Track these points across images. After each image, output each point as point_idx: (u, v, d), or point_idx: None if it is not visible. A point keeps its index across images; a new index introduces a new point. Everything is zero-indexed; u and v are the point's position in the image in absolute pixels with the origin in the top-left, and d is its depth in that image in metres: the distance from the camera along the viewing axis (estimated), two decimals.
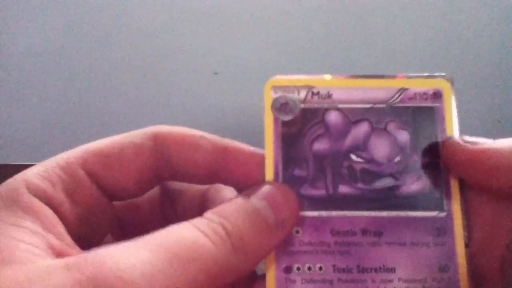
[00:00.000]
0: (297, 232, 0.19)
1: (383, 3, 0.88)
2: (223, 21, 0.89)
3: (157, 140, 0.20)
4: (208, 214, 0.18)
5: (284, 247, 0.19)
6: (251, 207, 0.18)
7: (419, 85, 0.20)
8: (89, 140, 0.94)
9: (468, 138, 0.20)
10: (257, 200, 0.19)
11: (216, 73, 0.92)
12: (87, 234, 0.18)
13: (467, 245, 0.19)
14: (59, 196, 0.18)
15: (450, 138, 0.20)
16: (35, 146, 0.99)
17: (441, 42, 0.90)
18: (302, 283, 0.19)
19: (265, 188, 0.19)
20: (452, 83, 0.21)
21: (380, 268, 0.19)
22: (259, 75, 0.95)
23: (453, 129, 0.20)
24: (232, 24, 0.90)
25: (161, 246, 0.16)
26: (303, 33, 0.90)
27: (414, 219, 0.19)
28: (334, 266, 0.19)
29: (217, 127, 0.98)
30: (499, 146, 0.18)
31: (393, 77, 0.20)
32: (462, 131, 0.76)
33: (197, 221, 0.18)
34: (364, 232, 0.19)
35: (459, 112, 0.82)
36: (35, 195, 0.18)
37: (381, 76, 0.20)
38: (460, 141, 0.19)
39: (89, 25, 0.90)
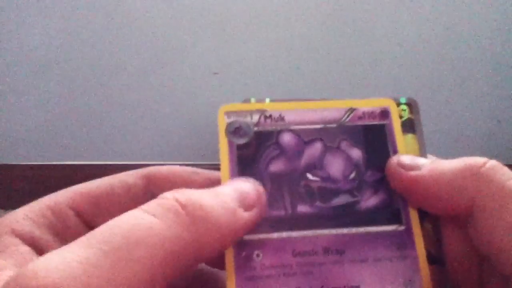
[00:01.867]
0: (258, 256, 0.19)
1: (382, 7, 0.88)
2: (223, 21, 0.89)
3: (150, 179, 0.20)
4: (164, 193, 0.16)
5: (244, 272, 0.18)
6: (214, 189, 0.18)
7: (366, 105, 0.21)
8: (88, 140, 0.94)
9: (405, 159, 0.19)
10: (221, 186, 0.18)
11: (216, 73, 0.92)
12: None
13: (443, 262, 0.19)
14: (45, 237, 0.17)
15: (390, 159, 0.20)
16: (35, 146, 1.00)
17: (442, 44, 0.90)
18: None
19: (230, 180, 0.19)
20: (414, 105, 0.21)
21: (344, 287, 0.18)
22: (259, 75, 0.95)
23: (403, 145, 0.20)
24: (232, 25, 0.90)
25: (97, 239, 0.14)
26: (302, 34, 0.90)
27: (374, 234, 0.19)
28: None
29: (217, 127, 0.98)
30: (428, 174, 0.18)
31: (341, 99, 0.21)
32: (463, 131, 0.76)
33: (148, 203, 0.16)
34: (326, 251, 0.19)
35: (460, 112, 0.82)
36: (20, 237, 0.17)
37: (330, 99, 0.21)
38: (396, 165, 0.19)
39: (89, 25, 0.90)
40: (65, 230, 0.18)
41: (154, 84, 0.93)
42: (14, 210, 0.17)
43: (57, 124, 0.96)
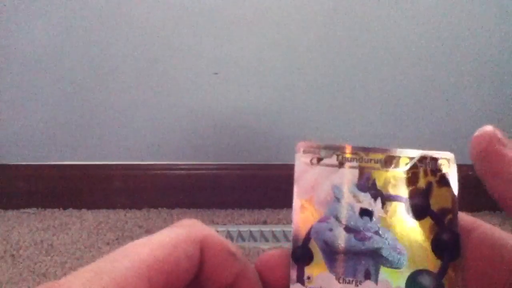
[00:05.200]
0: None
1: (382, 8, 0.88)
2: (223, 21, 0.89)
3: (203, 249, 0.20)
4: None
5: None
6: None
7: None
8: (88, 140, 0.93)
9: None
10: None
11: (216, 73, 0.92)
12: None
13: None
14: None
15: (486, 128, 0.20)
16: (35, 146, 1.00)
17: (441, 44, 0.90)
18: None
19: None
20: (451, 160, 0.21)
21: None
22: (259, 75, 0.95)
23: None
24: (232, 25, 0.90)
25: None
26: (303, 34, 0.90)
27: None
28: None
29: (217, 127, 0.98)
30: None
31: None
32: (463, 131, 0.76)
33: None
34: None
35: (460, 111, 0.82)
36: None
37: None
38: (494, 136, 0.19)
39: (89, 25, 0.90)
40: None
41: (154, 84, 0.93)
42: (87, 282, 0.16)
43: (57, 124, 0.96)
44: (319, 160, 0.21)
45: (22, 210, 0.95)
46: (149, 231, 0.85)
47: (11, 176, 0.97)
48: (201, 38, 0.90)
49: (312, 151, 0.21)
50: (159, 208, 0.96)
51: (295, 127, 0.94)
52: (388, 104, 0.93)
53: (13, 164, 0.98)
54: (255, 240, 0.83)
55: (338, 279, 0.19)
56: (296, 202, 0.20)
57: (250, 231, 0.86)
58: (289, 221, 0.90)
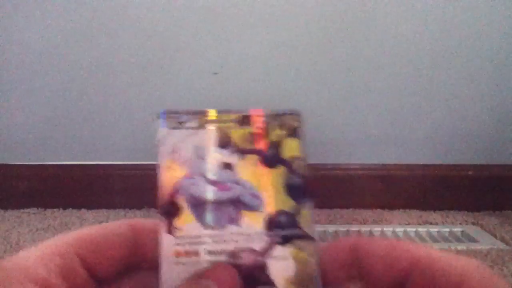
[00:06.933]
0: None
1: (382, 8, 0.88)
2: (223, 21, 0.89)
3: (136, 230, 0.24)
4: None
5: None
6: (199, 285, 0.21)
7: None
8: (88, 140, 0.93)
9: None
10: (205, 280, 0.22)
11: (216, 73, 0.92)
12: None
13: None
14: (58, 282, 0.20)
15: None
16: (35, 146, 1.00)
17: (442, 44, 0.90)
18: None
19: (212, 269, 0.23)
20: (300, 115, 0.25)
21: None
22: (259, 75, 0.95)
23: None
24: (232, 25, 0.90)
25: None
26: (302, 34, 0.90)
27: None
28: None
29: None
30: None
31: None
32: (463, 131, 0.75)
33: None
34: None
35: (460, 112, 0.81)
36: (34, 282, 0.20)
37: None
38: None
39: (89, 25, 0.90)
40: (72, 275, 0.21)
41: (154, 84, 0.93)
42: (25, 252, 0.20)
43: (57, 124, 0.96)
44: (181, 123, 0.23)
45: (22, 210, 0.95)
46: None
47: (11, 176, 0.97)
48: (201, 38, 0.90)
49: (175, 116, 0.23)
50: None
51: None
52: (388, 104, 0.93)
53: (13, 164, 0.98)
54: None
55: (205, 226, 0.22)
56: (161, 162, 0.22)
57: None
58: None
